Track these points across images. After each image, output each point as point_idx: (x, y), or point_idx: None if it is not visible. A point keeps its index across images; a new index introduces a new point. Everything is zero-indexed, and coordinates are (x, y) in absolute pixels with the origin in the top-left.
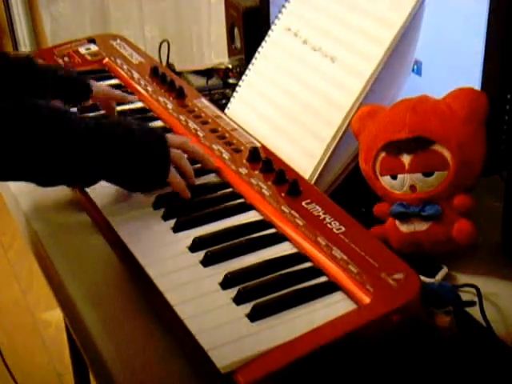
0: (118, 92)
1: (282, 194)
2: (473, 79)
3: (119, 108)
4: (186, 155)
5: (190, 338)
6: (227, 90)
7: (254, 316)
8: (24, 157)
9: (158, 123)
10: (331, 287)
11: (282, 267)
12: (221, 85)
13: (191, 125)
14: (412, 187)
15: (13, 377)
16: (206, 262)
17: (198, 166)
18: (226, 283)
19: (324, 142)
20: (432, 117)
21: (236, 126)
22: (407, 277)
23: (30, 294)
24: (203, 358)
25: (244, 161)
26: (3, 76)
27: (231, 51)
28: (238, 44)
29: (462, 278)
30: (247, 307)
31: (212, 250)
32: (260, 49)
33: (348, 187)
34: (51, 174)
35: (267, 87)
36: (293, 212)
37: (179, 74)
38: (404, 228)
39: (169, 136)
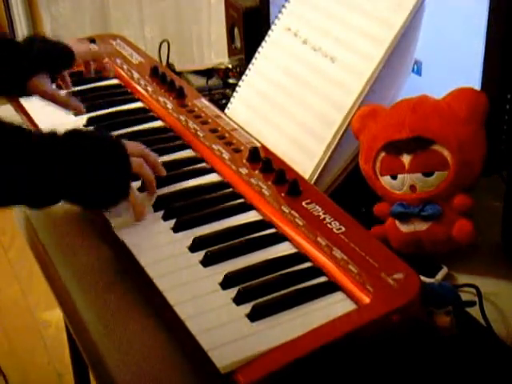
0: (101, 50)
1: (282, 194)
2: (473, 79)
3: (120, 108)
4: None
5: (190, 338)
6: (227, 90)
7: (253, 316)
8: None
9: (158, 123)
10: (331, 287)
11: (281, 267)
12: (221, 85)
13: (191, 125)
14: (412, 187)
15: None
16: (206, 262)
17: (196, 166)
18: (226, 283)
19: (324, 141)
20: (432, 117)
21: (236, 126)
22: (407, 277)
23: (30, 294)
24: (203, 358)
25: (244, 161)
26: None
27: (231, 51)
28: (238, 44)
29: (462, 278)
30: (247, 307)
31: (212, 250)
32: (260, 49)
33: (348, 187)
34: (7, 194)
35: (267, 87)
36: (293, 212)
37: (179, 73)
38: (404, 228)
39: (127, 143)
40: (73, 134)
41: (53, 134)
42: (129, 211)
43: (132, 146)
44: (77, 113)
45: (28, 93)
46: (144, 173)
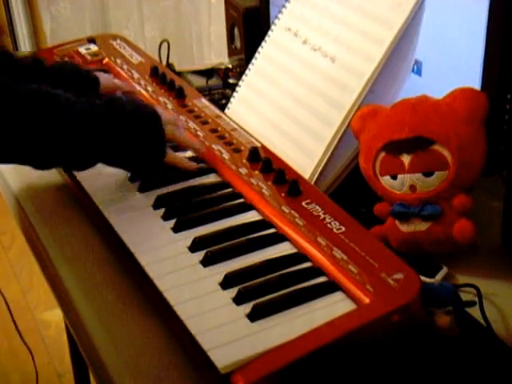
0: (125, 84)
1: (282, 194)
2: (473, 79)
3: None
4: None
5: (190, 338)
6: (227, 90)
7: (254, 316)
8: (17, 139)
9: None
10: (331, 287)
11: (282, 267)
12: (221, 85)
13: (191, 125)
14: (412, 187)
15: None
16: (206, 262)
17: (200, 165)
18: (226, 283)
19: (324, 141)
20: (432, 117)
21: (236, 126)
22: (407, 277)
23: (30, 294)
24: (203, 358)
25: (244, 161)
26: (10, 77)
27: (231, 51)
28: (238, 44)
29: (462, 278)
30: (247, 307)
31: (212, 250)
32: (260, 49)
33: (348, 187)
34: (46, 156)
35: (267, 87)
36: (293, 212)
37: (179, 74)
38: (404, 228)
39: (161, 112)
40: (111, 101)
41: (92, 101)
42: (129, 211)
43: (165, 114)
44: None
45: None
46: (176, 137)
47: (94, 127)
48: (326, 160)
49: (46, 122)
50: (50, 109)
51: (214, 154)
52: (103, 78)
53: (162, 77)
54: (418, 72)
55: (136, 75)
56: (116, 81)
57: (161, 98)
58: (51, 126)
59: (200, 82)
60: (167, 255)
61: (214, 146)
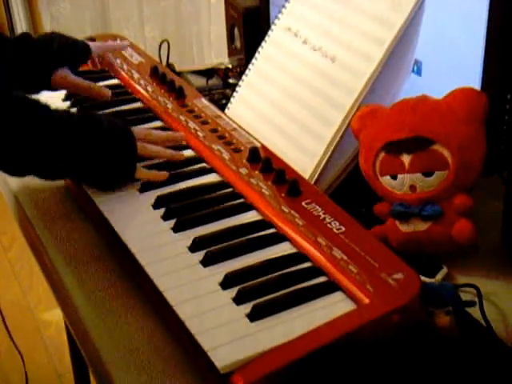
0: (113, 44)
1: (282, 194)
2: (473, 79)
3: (120, 108)
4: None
5: (190, 338)
6: (227, 90)
7: (253, 316)
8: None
9: (158, 123)
10: (331, 287)
11: (281, 267)
12: (221, 85)
13: (191, 125)
14: (412, 187)
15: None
16: (206, 262)
17: (196, 166)
18: (226, 283)
19: (324, 141)
20: (432, 117)
21: (236, 126)
22: (407, 277)
23: (30, 294)
24: (203, 357)
25: (244, 161)
26: (3, 55)
27: (231, 51)
28: (238, 44)
29: (462, 278)
30: (247, 307)
31: (212, 250)
32: (260, 49)
33: (348, 187)
34: (19, 163)
35: (267, 87)
36: (293, 212)
37: (179, 74)
38: (404, 228)
39: (134, 129)
40: (86, 117)
41: (70, 114)
42: (129, 212)
43: (138, 130)
44: (103, 98)
45: (52, 87)
46: (148, 152)
47: (67, 139)
48: (325, 160)
49: (21, 129)
50: (27, 116)
51: (213, 153)
52: (93, 44)
53: (162, 77)
54: (418, 72)
55: (136, 75)
56: (107, 43)
57: (161, 98)
58: (27, 134)
59: (200, 81)
60: (167, 255)
61: (213, 146)
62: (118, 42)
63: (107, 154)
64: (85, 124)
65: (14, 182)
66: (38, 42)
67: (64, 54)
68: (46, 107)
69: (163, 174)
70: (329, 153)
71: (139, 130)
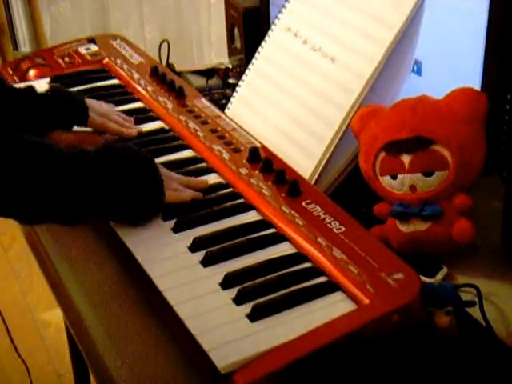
0: (113, 126)
1: (282, 194)
2: (473, 79)
3: (120, 108)
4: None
5: (190, 338)
6: (227, 90)
7: (253, 316)
8: (3, 192)
9: (158, 123)
10: (331, 287)
11: (281, 267)
12: (221, 85)
13: (191, 125)
14: (412, 187)
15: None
16: (206, 262)
17: (196, 166)
18: (226, 283)
19: (324, 141)
20: (432, 117)
21: (236, 126)
22: (407, 277)
23: (30, 294)
24: (203, 358)
25: (244, 161)
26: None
27: (231, 51)
28: (238, 44)
29: (462, 278)
30: (247, 307)
31: (212, 250)
32: (260, 49)
33: (348, 187)
34: (34, 210)
35: (267, 87)
36: (293, 212)
37: (179, 74)
38: (404, 228)
39: (158, 165)
40: (104, 152)
41: (82, 151)
42: None
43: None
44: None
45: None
46: (179, 198)
47: (85, 177)
48: (325, 160)
49: (35, 173)
50: (39, 158)
51: (213, 154)
52: (92, 117)
53: (162, 77)
54: (418, 72)
55: (136, 75)
56: (104, 123)
57: (161, 98)
58: (39, 177)
59: (200, 81)
60: (167, 255)
61: (213, 146)
62: (119, 129)
63: (132, 185)
64: (103, 159)
65: None
66: (37, 99)
67: (57, 117)
68: (58, 148)
69: (194, 194)
70: (329, 153)
71: (161, 168)
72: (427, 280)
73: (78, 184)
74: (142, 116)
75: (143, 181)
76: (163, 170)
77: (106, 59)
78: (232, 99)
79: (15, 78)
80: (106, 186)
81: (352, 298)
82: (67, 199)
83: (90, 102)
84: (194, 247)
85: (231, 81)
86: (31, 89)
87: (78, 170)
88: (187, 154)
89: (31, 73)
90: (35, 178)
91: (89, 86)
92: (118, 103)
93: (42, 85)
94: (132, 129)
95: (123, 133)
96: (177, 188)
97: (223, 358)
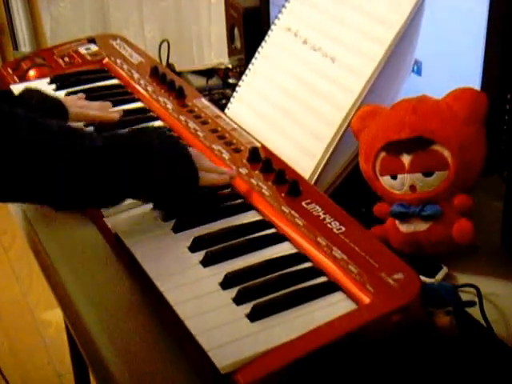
0: (95, 113)
1: (282, 194)
2: (473, 79)
3: (120, 108)
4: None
5: (190, 338)
6: (227, 90)
7: (254, 316)
8: (35, 177)
9: (158, 123)
10: (331, 287)
11: (282, 267)
12: (221, 85)
13: (191, 125)
14: (412, 187)
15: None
16: (206, 262)
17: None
18: (226, 283)
19: (324, 141)
20: (432, 117)
21: (236, 126)
22: (407, 277)
23: (30, 294)
24: (203, 358)
25: (244, 161)
26: None
27: (231, 51)
28: (238, 44)
29: (462, 278)
30: (247, 307)
31: (212, 250)
32: (260, 49)
33: (348, 187)
34: (68, 195)
35: (267, 87)
36: (293, 212)
37: (179, 74)
38: (404, 228)
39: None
40: (137, 132)
41: (116, 135)
42: (129, 212)
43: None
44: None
45: None
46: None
47: (119, 161)
48: (325, 160)
49: (67, 157)
50: (71, 144)
51: (214, 154)
52: (73, 108)
53: (162, 77)
54: (418, 72)
55: (136, 75)
56: (84, 114)
57: (161, 98)
58: (72, 162)
59: (200, 81)
60: (167, 255)
61: (214, 146)
62: (107, 111)
63: (168, 173)
64: (135, 143)
65: None
66: (18, 98)
67: (42, 111)
68: (84, 133)
69: (225, 178)
70: (329, 153)
71: (192, 149)
72: (427, 280)
73: (110, 169)
74: (142, 116)
75: (175, 163)
76: (194, 152)
77: (106, 59)
78: (232, 99)
79: (15, 77)
80: (138, 169)
81: (352, 297)
82: (102, 185)
83: (65, 98)
84: (194, 247)
85: (231, 81)
86: (7, 92)
87: (112, 158)
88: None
89: (31, 73)
90: (68, 162)
91: (89, 86)
92: (118, 103)
93: (42, 85)
94: (114, 112)
95: (106, 117)
96: (209, 168)
97: (223, 357)
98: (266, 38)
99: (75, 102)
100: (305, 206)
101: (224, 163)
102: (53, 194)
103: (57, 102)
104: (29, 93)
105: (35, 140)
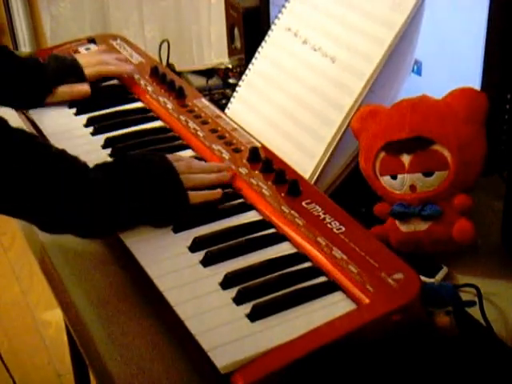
0: (110, 69)
1: (282, 194)
2: (473, 79)
3: (120, 108)
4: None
5: (190, 338)
6: (227, 90)
7: (254, 316)
8: (29, 198)
9: (158, 123)
10: (331, 287)
11: (281, 267)
12: (221, 85)
13: (191, 125)
14: (412, 187)
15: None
16: (206, 262)
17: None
18: (226, 283)
19: (324, 141)
20: (432, 117)
21: (236, 126)
22: (407, 277)
23: (30, 294)
24: (203, 358)
25: (244, 161)
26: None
27: (231, 51)
28: (238, 44)
29: (462, 278)
30: (247, 307)
31: (212, 250)
32: (260, 49)
33: (348, 187)
34: (56, 221)
35: (267, 87)
36: (293, 212)
37: (179, 74)
38: (404, 228)
39: (175, 164)
40: (123, 161)
41: (105, 165)
42: None
43: (179, 164)
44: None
45: (45, 103)
46: (191, 183)
47: (111, 192)
48: (325, 160)
49: (58, 186)
50: (64, 173)
51: (214, 153)
52: (88, 68)
53: (162, 77)
54: (418, 72)
55: (136, 75)
56: (104, 71)
57: (161, 98)
58: (63, 191)
59: (200, 81)
60: (167, 255)
61: (213, 146)
62: (122, 64)
63: (155, 199)
64: (122, 176)
65: None
66: (33, 63)
67: (58, 76)
68: (76, 163)
69: (217, 192)
70: (329, 153)
71: (179, 164)
72: (427, 280)
73: (101, 199)
74: (142, 116)
75: (164, 193)
76: (181, 168)
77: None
78: (232, 99)
79: None
80: (128, 197)
81: (352, 297)
82: (88, 214)
83: (81, 57)
84: (194, 247)
85: (231, 81)
86: (34, 57)
87: (100, 185)
88: (187, 153)
89: None
90: (58, 191)
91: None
92: (118, 103)
93: None
94: (128, 65)
95: (122, 71)
96: (201, 181)
97: (223, 357)
98: (266, 38)
99: (90, 60)
100: (305, 205)
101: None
102: (44, 216)
103: (73, 64)
104: (51, 58)
105: (29, 159)
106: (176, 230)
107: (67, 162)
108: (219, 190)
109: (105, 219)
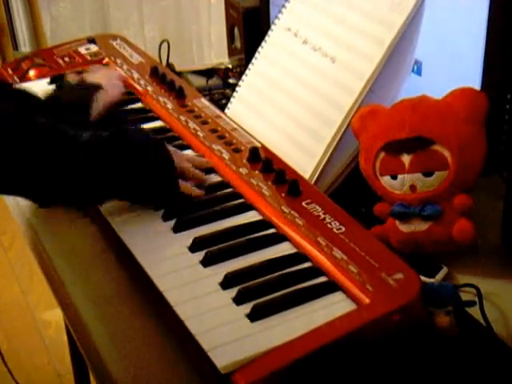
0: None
1: (282, 194)
2: (473, 79)
3: (119, 108)
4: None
5: (190, 338)
6: (227, 90)
7: (254, 316)
8: (22, 171)
9: (158, 123)
10: (331, 287)
11: (282, 267)
12: (221, 85)
13: (191, 125)
14: (412, 187)
15: (13, 377)
16: (206, 262)
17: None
18: (226, 283)
19: (324, 141)
20: (432, 117)
21: (236, 126)
22: (407, 277)
23: (30, 294)
24: (203, 358)
25: (244, 161)
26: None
27: (231, 51)
28: (238, 44)
29: (462, 278)
30: (247, 307)
31: (212, 250)
32: (260, 49)
33: (348, 187)
34: (49, 192)
35: (267, 87)
36: (293, 212)
37: (179, 74)
38: (404, 228)
39: (171, 149)
40: (118, 134)
41: (99, 136)
42: (129, 212)
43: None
44: None
45: None
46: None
47: (101, 160)
48: (325, 160)
49: (52, 154)
50: (56, 141)
51: (214, 153)
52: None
53: (162, 77)
54: (418, 72)
55: (136, 75)
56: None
57: (161, 98)
58: (56, 159)
59: (200, 81)
60: (167, 255)
61: (213, 146)
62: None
63: (148, 167)
64: (116, 142)
65: None
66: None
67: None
68: (70, 132)
69: (201, 193)
70: (329, 153)
71: (174, 150)
72: (427, 280)
73: (94, 169)
74: (142, 116)
75: (155, 163)
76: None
77: (106, 59)
78: (232, 99)
79: (15, 77)
80: (121, 169)
81: (352, 297)
82: (84, 183)
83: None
84: (194, 247)
85: (231, 81)
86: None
87: (94, 157)
88: (187, 153)
89: (31, 73)
90: (52, 164)
91: None
92: (118, 103)
93: (41, 85)
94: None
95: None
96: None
97: (223, 357)
98: (266, 37)
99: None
100: (305, 205)
101: (224, 163)
102: (36, 188)
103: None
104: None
105: (22, 133)
106: (176, 230)
107: (56, 129)
108: (202, 192)
109: (97, 181)
